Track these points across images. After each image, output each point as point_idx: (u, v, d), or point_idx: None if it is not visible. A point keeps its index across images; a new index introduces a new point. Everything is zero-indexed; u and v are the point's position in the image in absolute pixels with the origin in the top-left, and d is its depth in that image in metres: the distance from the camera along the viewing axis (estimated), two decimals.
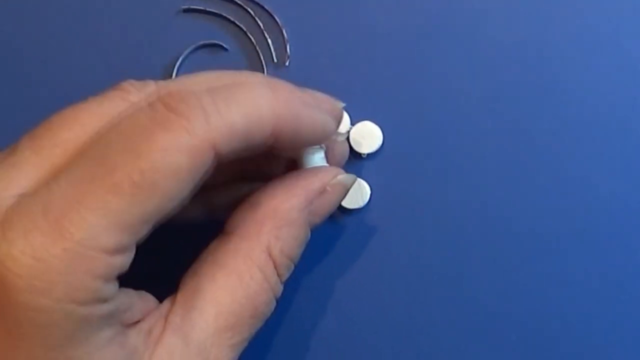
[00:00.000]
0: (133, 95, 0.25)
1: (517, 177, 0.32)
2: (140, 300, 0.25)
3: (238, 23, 0.33)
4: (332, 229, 0.32)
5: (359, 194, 0.31)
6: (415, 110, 0.32)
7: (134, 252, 0.23)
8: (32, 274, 0.21)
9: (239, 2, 0.34)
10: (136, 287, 0.25)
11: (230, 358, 0.25)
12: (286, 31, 0.33)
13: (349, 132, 0.30)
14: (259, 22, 0.33)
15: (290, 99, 0.26)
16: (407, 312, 0.31)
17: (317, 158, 0.28)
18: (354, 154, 0.31)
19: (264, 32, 0.33)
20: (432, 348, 0.31)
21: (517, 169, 0.32)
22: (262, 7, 0.34)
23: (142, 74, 0.27)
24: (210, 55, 0.33)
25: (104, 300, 0.23)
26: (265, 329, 0.27)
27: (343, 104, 0.29)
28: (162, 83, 0.26)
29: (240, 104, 0.24)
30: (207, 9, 0.34)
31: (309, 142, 0.27)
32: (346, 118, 0.32)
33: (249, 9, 0.34)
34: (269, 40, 0.33)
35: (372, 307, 0.31)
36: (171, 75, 0.33)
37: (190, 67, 0.33)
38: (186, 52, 0.33)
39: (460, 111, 0.32)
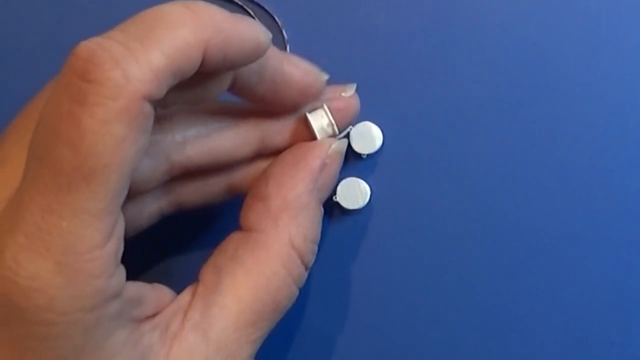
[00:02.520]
0: (104, 85, 0.22)
1: (517, 177, 0.32)
2: (153, 293, 0.25)
3: None
4: (332, 229, 0.32)
5: (359, 194, 0.31)
6: (415, 110, 0.32)
7: (121, 223, 0.23)
8: (32, 293, 0.21)
9: (238, 2, 0.34)
10: (151, 278, 0.25)
11: (249, 354, 0.25)
12: (286, 31, 0.33)
13: (349, 132, 0.31)
14: (259, 22, 0.33)
15: (212, 17, 0.23)
16: (407, 312, 0.31)
17: (320, 116, 0.29)
18: (354, 154, 0.31)
19: None
20: (432, 348, 0.31)
21: (517, 169, 0.32)
22: (262, 8, 0.34)
23: None
24: None
25: (111, 296, 0.22)
26: None
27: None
28: (116, 46, 0.22)
29: (160, 41, 0.22)
30: None
31: (242, 62, 0.25)
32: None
33: (249, 9, 0.34)
34: None
35: (372, 307, 0.31)
36: None
37: None
38: None
39: (460, 111, 0.32)
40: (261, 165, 0.29)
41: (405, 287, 0.31)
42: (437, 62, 0.33)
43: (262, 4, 0.34)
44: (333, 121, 0.29)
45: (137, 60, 0.22)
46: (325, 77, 0.28)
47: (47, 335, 0.21)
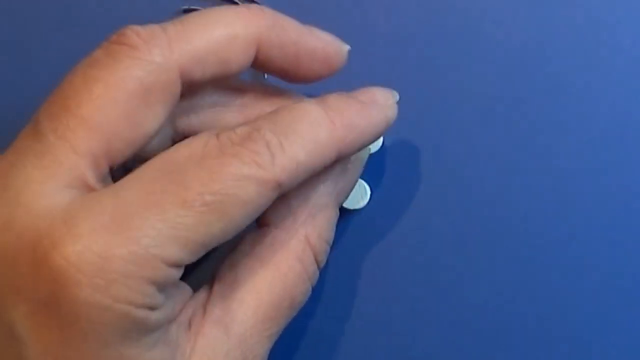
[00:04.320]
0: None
1: (517, 177, 0.32)
2: (178, 292, 0.25)
3: None
4: None
5: (359, 194, 0.31)
6: (415, 111, 0.32)
7: (183, 269, 0.24)
8: (95, 271, 0.22)
9: (238, 2, 0.34)
10: None
11: (266, 348, 0.26)
12: None
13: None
14: None
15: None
16: (408, 312, 0.31)
17: None
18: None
19: None
20: (432, 348, 0.31)
21: (517, 169, 0.32)
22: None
23: None
24: None
25: (155, 307, 0.23)
26: None
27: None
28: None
29: (301, 137, 0.25)
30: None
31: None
32: None
33: None
34: None
35: (372, 307, 0.31)
36: None
37: None
38: None
39: (460, 111, 0.32)
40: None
41: (406, 287, 0.31)
42: (437, 62, 0.33)
43: (262, 4, 0.34)
44: None
45: (284, 152, 0.24)
46: (346, 47, 0.28)
47: (97, 319, 0.22)
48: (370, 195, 0.31)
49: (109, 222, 0.22)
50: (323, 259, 0.28)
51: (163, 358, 0.23)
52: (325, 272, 0.31)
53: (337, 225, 0.31)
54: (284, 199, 0.27)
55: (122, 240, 0.22)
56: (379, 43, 0.33)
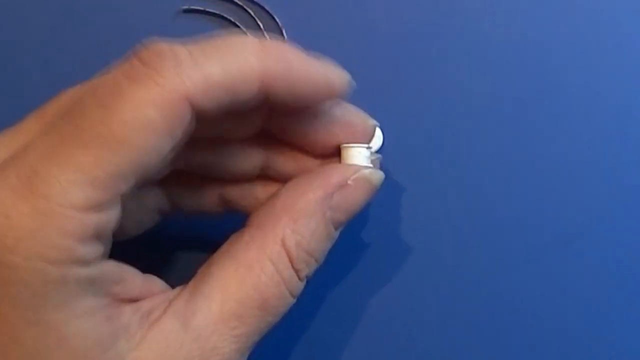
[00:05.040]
0: (162, 75, 0.23)
1: (517, 177, 0.32)
2: (141, 280, 0.25)
3: (238, 23, 0.33)
4: None
5: None
6: (415, 110, 0.32)
7: (115, 210, 0.23)
8: (1, 231, 0.21)
9: (238, 2, 0.34)
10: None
11: (232, 349, 0.24)
12: (286, 31, 0.33)
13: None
14: (259, 22, 0.33)
15: (281, 50, 0.25)
16: (408, 312, 0.31)
17: (358, 155, 0.27)
18: None
19: (264, 32, 0.33)
20: (431, 348, 0.31)
21: (517, 169, 0.32)
22: (262, 8, 0.34)
23: None
24: None
25: (81, 262, 0.22)
26: None
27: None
28: (187, 54, 0.24)
29: (221, 55, 0.23)
30: (207, 9, 0.34)
31: (310, 99, 0.26)
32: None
33: (249, 9, 0.34)
34: None
35: (372, 307, 0.31)
36: None
37: None
38: None
39: (460, 111, 0.32)
40: (261, 189, 0.29)
41: (406, 287, 0.31)
42: (438, 62, 0.33)
43: (262, 4, 0.34)
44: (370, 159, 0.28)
45: (195, 64, 0.23)
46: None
47: (8, 279, 0.21)
48: None
49: (14, 179, 0.22)
50: (302, 268, 0.26)
51: (98, 332, 0.22)
52: (324, 272, 0.31)
53: None
54: (271, 200, 0.26)
55: (25, 196, 0.21)
56: (379, 43, 0.33)
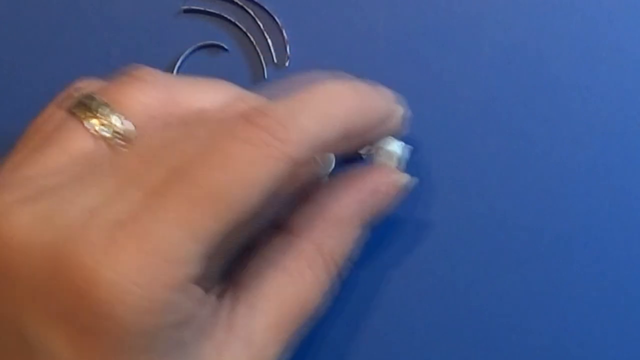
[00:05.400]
0: (275, 138, 0.24)
1: (517, 177, 0.32)
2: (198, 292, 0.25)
3: (238, 23, 0.33)
4: None
5: None
6: (414, 111, 0.32)
7: (207, 261, 0.23)
8: (111, 284, 0.21)
9: (239, 2, 0.34)
10: None
11: (277, 353, 0.25)
12: (286, 32, 0.33)
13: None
14: (259, 22, 0.33)
15: (358, 100, 0.26)
16: (408, 312, 0.31)
17: (394, 146, 0.30)
18: (354, 154, 0.31)
19: (264, 32, 0.33)
20: (431, 348, 0.31)
21: (517, 169, 0.32)
22: (262, 8, 0.34)
23: None
24: (210, 55, 0.33)
25: (175, 311, 0.22)
26: None
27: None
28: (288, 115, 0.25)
29: (316, 112, 0.24)
30: (207, 9, 0.34)
31: (379, 136, 0.29)
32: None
33: (249, 10, 0.34)
34: (269, 41, 0.33)
35: (372, 307, 0.31)
36: None
37: (190, 68, 0.33)
38: (186, 53, 0.33)
39: (460, 112, 0.32)
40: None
41: (406, 287, 0.31)
42: (437, 62, 0.33)
43: (262, 4, 0.34)
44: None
45: (297, 127, 0.24)
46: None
47: (116, 331, 0.21)
48: None
49: (119, 233, 0.22)
50: (339, 271, 0.27)
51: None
52: None
53: None
54: (306, 204, 0.27)
55: (133, 250, 0.21)
56: (379, 43, 0.33)
